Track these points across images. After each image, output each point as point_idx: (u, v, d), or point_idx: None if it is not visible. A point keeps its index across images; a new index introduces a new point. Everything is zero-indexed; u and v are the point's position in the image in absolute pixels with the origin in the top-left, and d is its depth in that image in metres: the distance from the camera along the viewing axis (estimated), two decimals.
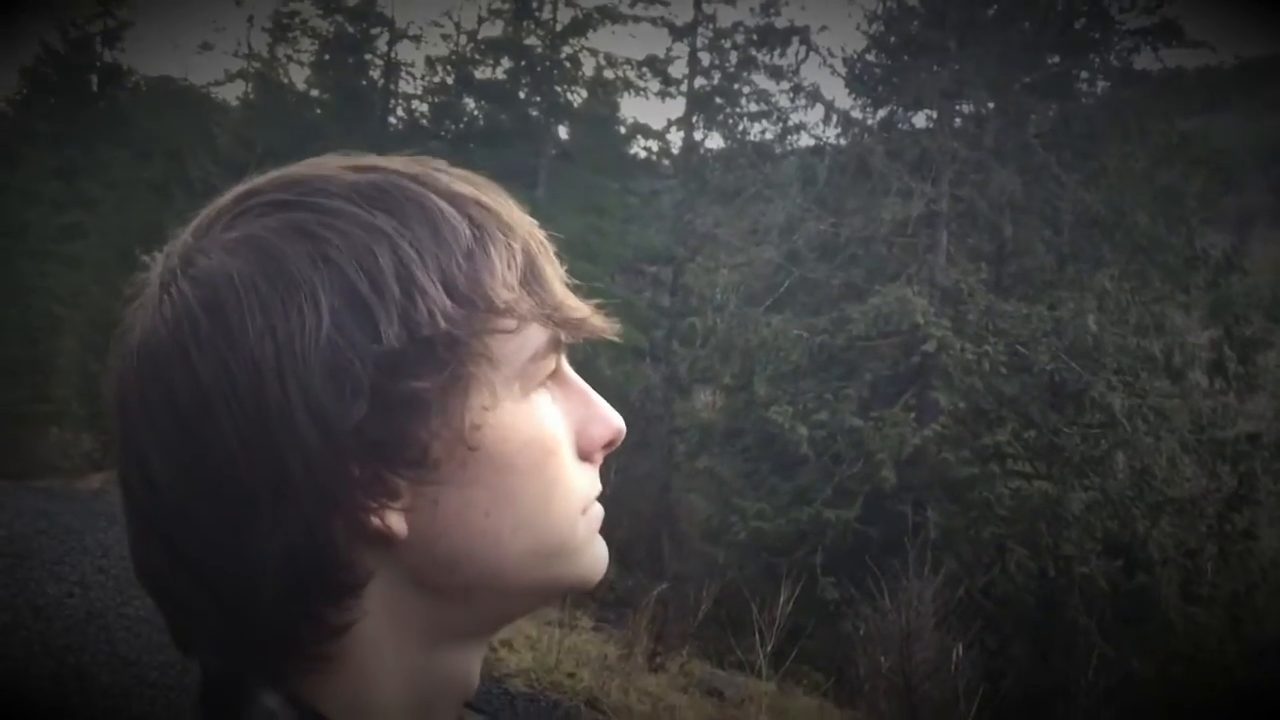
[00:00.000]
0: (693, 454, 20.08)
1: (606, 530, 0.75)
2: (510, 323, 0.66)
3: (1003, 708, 12.10)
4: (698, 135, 22.24)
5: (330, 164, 0.69)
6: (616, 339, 0.73)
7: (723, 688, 9.15)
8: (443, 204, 0.67)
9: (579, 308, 0.71)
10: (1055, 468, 15.72)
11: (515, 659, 8.27)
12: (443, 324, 0.63)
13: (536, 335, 0.68)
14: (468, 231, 0.66)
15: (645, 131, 22.79)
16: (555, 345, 0.70)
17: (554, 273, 0.71)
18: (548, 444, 0.69)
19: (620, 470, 18.93)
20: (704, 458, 19.51)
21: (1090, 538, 15.04)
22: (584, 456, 0.72)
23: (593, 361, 19.15)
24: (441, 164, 0.71)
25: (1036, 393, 15.83)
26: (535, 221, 0.72)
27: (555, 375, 0.71)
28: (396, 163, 0.69)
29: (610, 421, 0.73)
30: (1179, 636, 14.95)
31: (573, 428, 0.71)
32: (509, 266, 0.67)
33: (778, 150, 20.95)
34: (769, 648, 8.55)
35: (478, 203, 0.68)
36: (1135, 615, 15.10)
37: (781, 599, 8.70)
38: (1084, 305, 14.99)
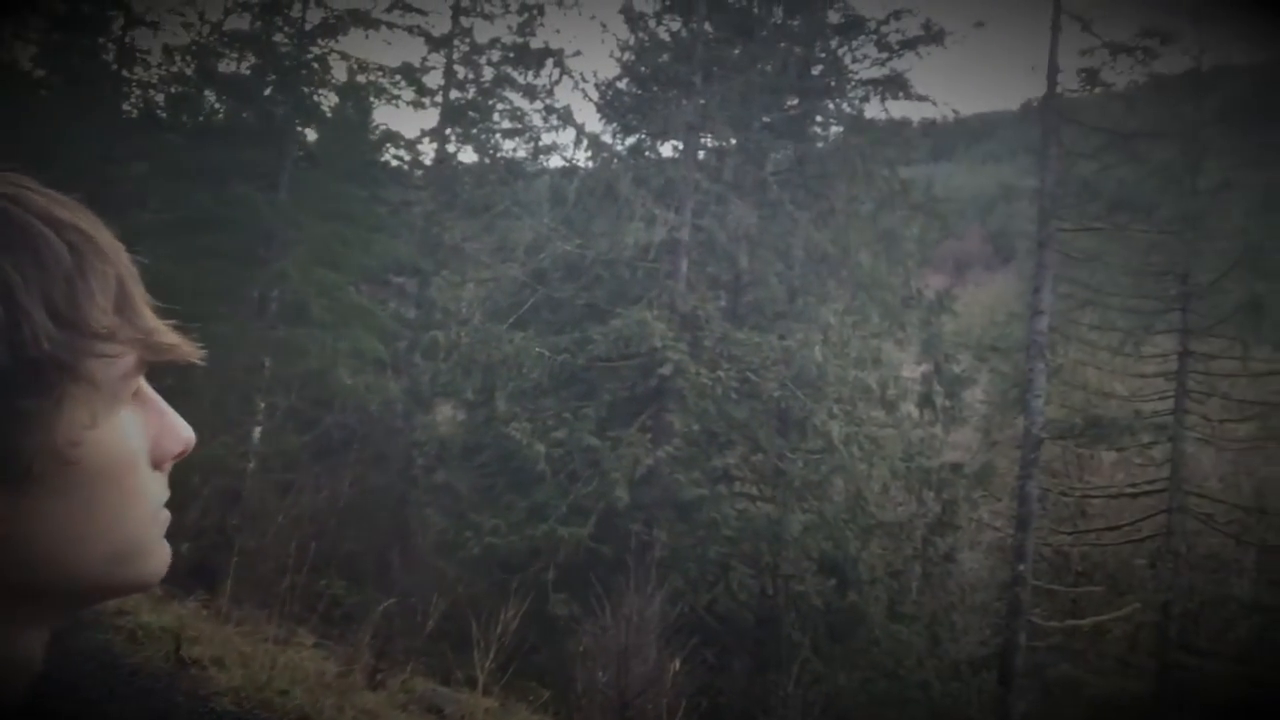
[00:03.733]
0: (430, 468, 19.88)
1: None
2: (113, 347, 0.70)
3: None
4: (450, 148, 22.09)
5: None
6: (202, 362, 0.77)
7: (443, 705, 9.08)
8: (44, 228, 0.69)
9: (168, 334, 0.75)
10: (779, 490, 16.48)
11: (225, 677, 7.94)
12: (47, 346, 0.66)
13: (127, 357, 0.72)
14: (68, 257, 0.69)
15: (397, 140, 22.45)
16: (141, 366, 0.74)
17: (142, 297, 0.74)
18: (129, 457, 0.73)
19: (355, 482, 18.55)
20: (442, 472, 19.36)
21: (807, 558, 15.83)
22: (156, 465, 0.76)
23: (332, 371, 18.68)
24: (31, 182, 0.73)
25: (765, 418, 16.54)
26: (123, 246, 0.75)
27: (135, 391, 0.75)
28: None
29: (181, 434, 0.77)
30: (883, 652, 15.91)
31: (148, 440, 0.75)
32: (105, 292, 0.70)
33: (529, 168, 21.12)
34: (490, 664, 8.58)
35: (76, 228, 0.71)
36: (845, 632, 15.98)
37: (507, 615, 8.74)
38: (811, 337, 15.81)
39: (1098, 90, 18.90)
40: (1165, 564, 18.81)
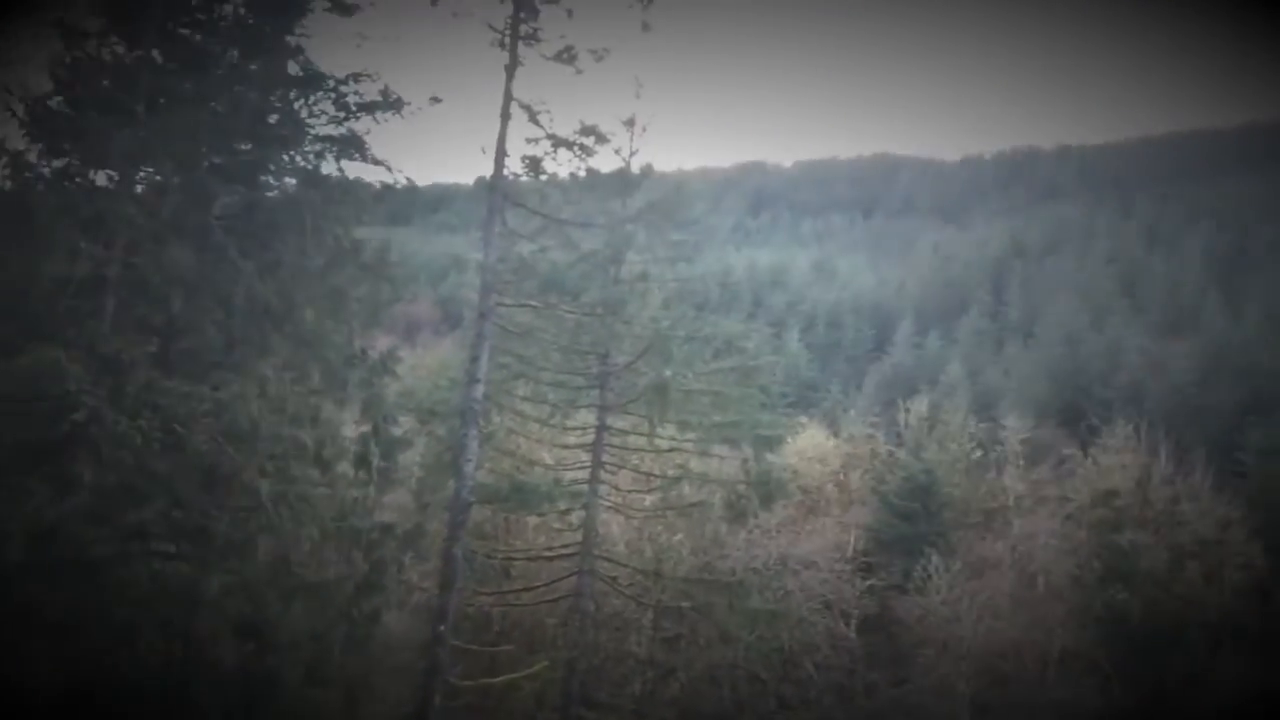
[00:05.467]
0: None
1: None
2: None
3: None
4: None
5: None
6: None
7: None
8: None
9: None
10: (199, 549, 15.65)
11: None
12: None
13: None
14: None
15: None
16: None
17: None
18: None
19: None
20: None
21: (225, 620, 15.15)
22: None
23: None
24: None
25: (189, 472, 15.67)
26: None
27: None
28: None
29: None
30: (297, 718, 15.57)
31: None
32: None
33: None
34: None
35: None
36: (259, 698, 15.44)
37: None
38: (247, 390, 15.29)
39: (542, 177, 20.30)
40: (574, 623, 20.27)
